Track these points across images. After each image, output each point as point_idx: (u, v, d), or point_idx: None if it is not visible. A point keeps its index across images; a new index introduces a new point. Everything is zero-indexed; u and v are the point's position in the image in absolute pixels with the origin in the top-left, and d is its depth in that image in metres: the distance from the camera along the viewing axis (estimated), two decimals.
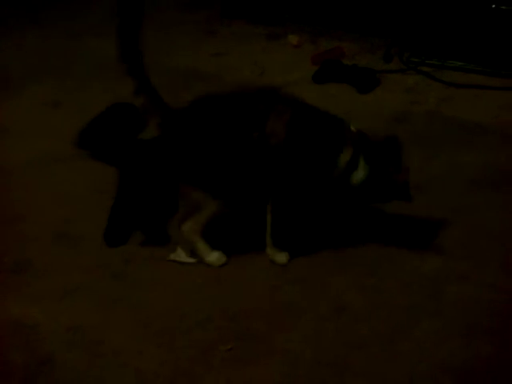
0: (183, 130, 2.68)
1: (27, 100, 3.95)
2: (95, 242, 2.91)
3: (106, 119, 3.41)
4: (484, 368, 2.38)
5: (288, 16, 4.72)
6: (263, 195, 2.76)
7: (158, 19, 4.80)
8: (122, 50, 2.67)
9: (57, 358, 2.44)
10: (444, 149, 3.43)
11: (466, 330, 2.50)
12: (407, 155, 2.71)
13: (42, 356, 2.44)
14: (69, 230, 2.98)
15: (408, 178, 2.74)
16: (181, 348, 2.46)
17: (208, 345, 2.46)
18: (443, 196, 3.11)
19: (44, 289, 2.71)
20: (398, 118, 3.69)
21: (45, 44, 4.57)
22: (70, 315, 2.60)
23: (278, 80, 4.05)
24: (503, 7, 4.02)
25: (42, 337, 2.51)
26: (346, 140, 2.67)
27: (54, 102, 3.90)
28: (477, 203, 3.05)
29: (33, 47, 4.55)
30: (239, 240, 2.91)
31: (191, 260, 2.81)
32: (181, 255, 2.83)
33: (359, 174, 2.69)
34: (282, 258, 2.81)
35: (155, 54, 4.32)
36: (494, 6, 4.03)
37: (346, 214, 2.99)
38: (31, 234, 2.98)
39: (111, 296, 2.68)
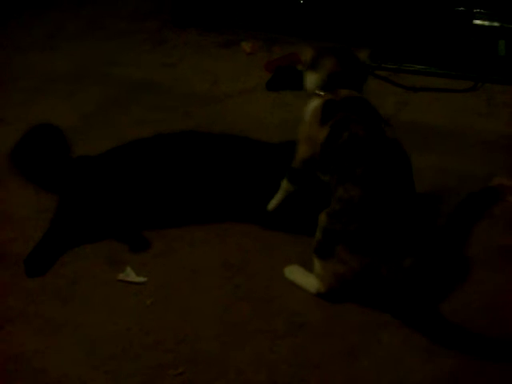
0: None
1: None
2: None
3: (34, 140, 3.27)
4: (446, 382, 2.29)
5: (241, 23, 4.60)
6: None
7: (107, 29, 4.70)
8: None
9: None
10: None
11: (427, 343, 2.40)
12: None
13: None
14: (11, 251, 2.83)
15: None
16: (129, 375, 2.33)
17: (157, 370, 2.33)
18: None
19: None
20: None
21: None
22: (11, 343, 2.46)
23: (231, 89, 3.96)
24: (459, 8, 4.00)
25: None
26: None
27: None
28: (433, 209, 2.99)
29: None
30: (188, 259, 2.81)
31: (140, 279, 2.69)
32: (130, 275, 2.71)
33: None
34: None
35: (104, 65, 4.25)
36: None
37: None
38: None
39: (56, 320, 2.54)
